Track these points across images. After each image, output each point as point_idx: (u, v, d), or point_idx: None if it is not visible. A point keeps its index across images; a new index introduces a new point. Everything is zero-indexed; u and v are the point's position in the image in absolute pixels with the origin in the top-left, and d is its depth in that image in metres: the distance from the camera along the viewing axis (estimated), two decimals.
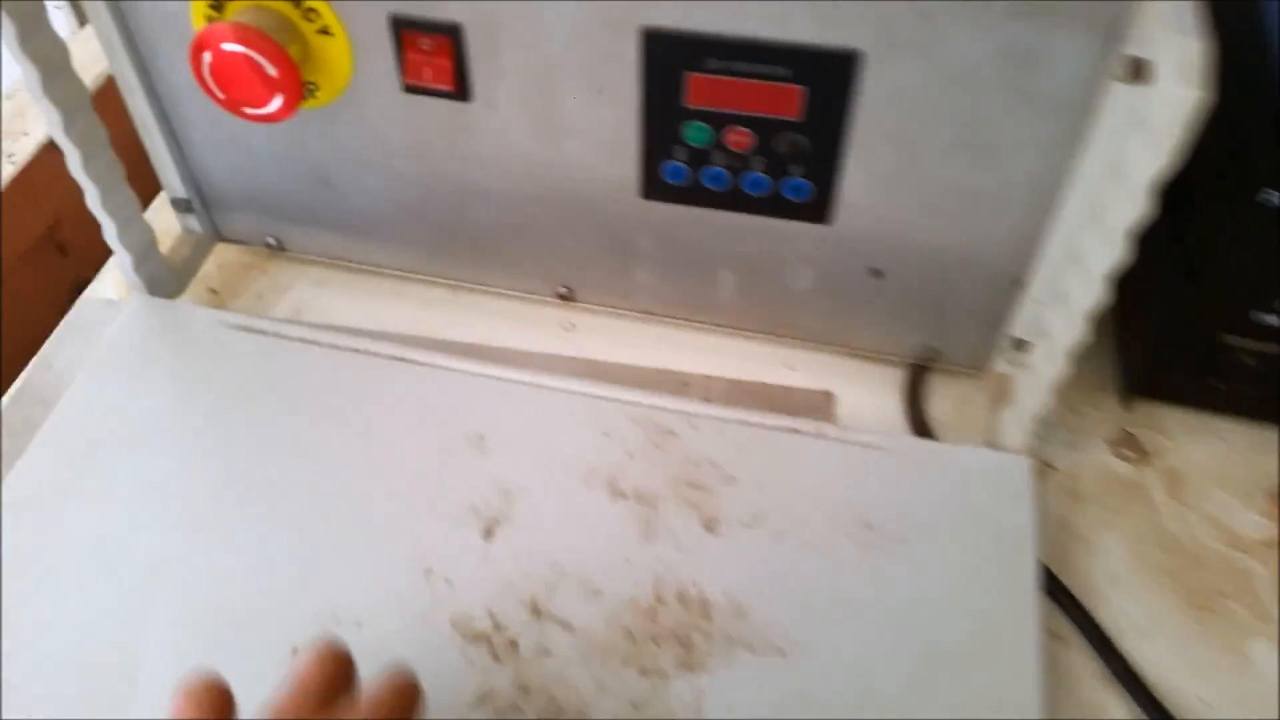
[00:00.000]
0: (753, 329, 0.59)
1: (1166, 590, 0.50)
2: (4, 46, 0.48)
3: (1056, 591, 0.48)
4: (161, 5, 0.52)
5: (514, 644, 0.45)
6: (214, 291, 0.63)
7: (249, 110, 0.52)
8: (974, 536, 0.48)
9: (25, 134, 0.72)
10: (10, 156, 0.70)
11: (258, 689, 0.35)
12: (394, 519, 0.49)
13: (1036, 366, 0.49)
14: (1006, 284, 0.52)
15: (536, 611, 0.46)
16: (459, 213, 0.57)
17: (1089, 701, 0.46)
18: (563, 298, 0.60)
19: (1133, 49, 0.41)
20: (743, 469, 0.51)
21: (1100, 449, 0.55)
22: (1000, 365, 0.55)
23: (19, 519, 0.49)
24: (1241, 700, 0.46)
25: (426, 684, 0.38)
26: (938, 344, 0.56)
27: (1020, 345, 0.53)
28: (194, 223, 0.63)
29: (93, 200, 0.54)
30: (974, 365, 0.56)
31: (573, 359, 0.58)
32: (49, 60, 0.49)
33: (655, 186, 0.53)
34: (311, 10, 0.50)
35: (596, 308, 0.61)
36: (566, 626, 0.46)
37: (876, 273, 0.53)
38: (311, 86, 0.53)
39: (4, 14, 0.46)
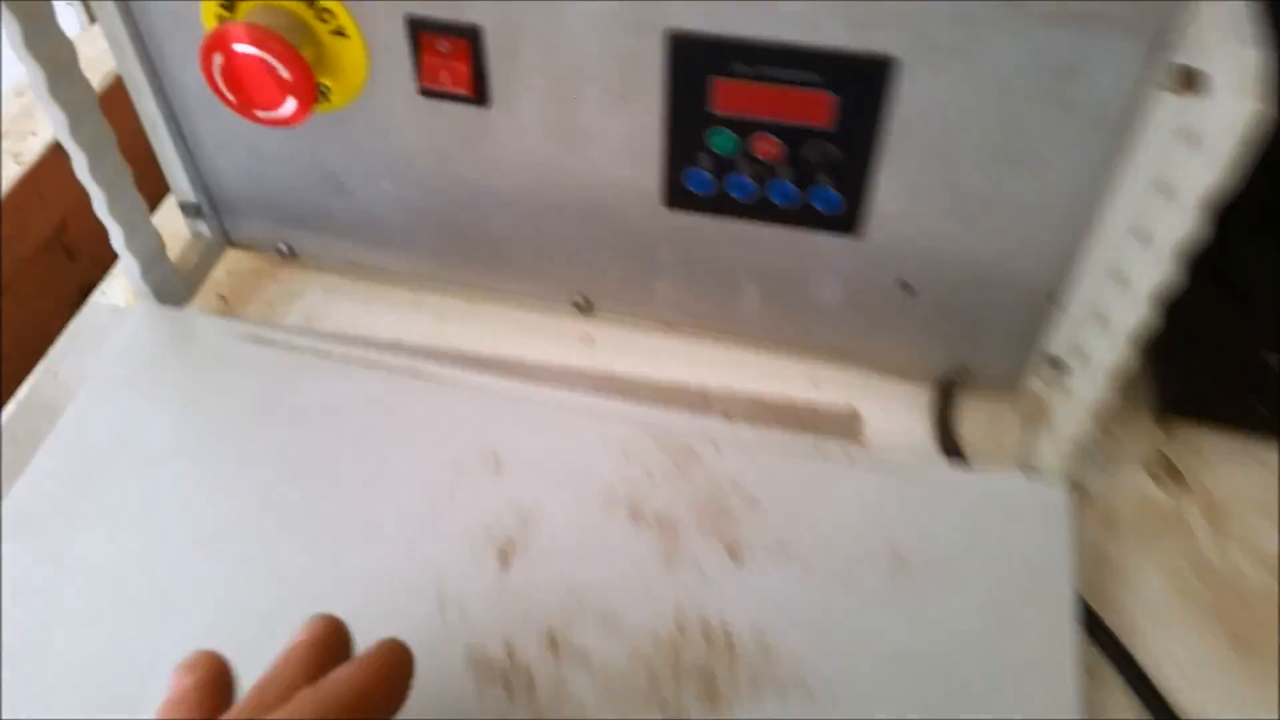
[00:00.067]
0: (776, 343, 0.57)
1: (1208, 625, 0.47)
2: (9, 46, 0.46)
3: (1094, 627, 0.46)
4: (172, 4, 0.50)
5: (530, 679, 0.43)
6: (223, 298, 0.61)
7: (261, 114, 0.50)
8: (1010, 571, 0.46)
9: (33, 134, 0.70)
10: (17, 157, 0.68)
11: None
12: (407, 543, 0.48)
13: (1075, 390, 0.47)
14: (1041, 299, 0.50)
15: (554, 643, 0.44)
16: (475, 220, 0.56)
17: None
18: (580, 307, 0.59)
19: (1183, 57, 0.39)
20: (767, 493, 0.49)
21: (1135, 472, 0.53)
22: (1034, 384, 0.53)
23: (20, 537, 0.48)
24: None
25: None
26: (968, 361, 0.54)
27: (1056, 364, 0.51)
28: (203, 228, 0.61)
29: (99, 205, 0.53)
30: (1005, 383, 0.54)
31: (590, 372, 0.57)
32: (55, 61, 0.48)
33: (678, 195, 0.51)
34: (326, 11, 0.48)
35: (615, 318, 0.59)
36: (585, 660, 0.44)
37: (906, 287, 0.52)
38: (325, 89, 0.51)
39: (9, 13, 0.45)
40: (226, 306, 0.61)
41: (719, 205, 0.51)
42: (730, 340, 0.58)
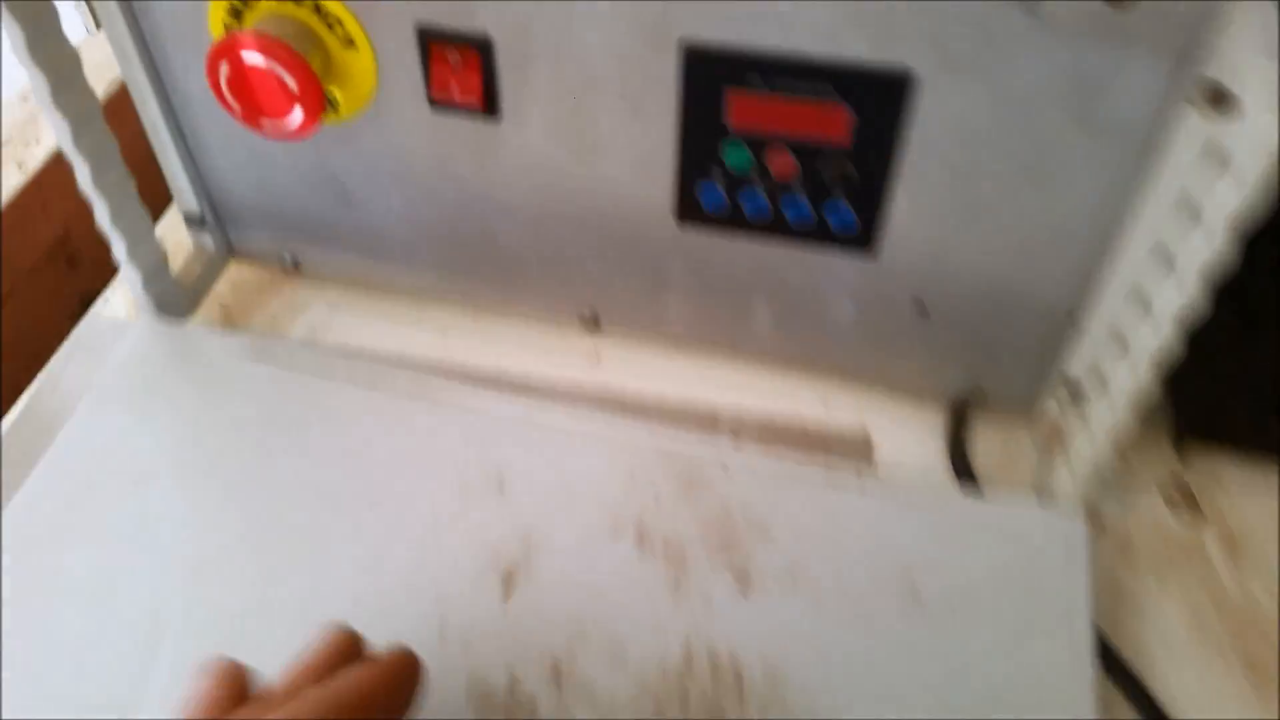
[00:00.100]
0: (787, 361, 0.56)
1: (1224, 658, 0.46)
2: (12, 53, 0.46)
3: (1110, 663, 0.45)
4: (178, 8, 0.50)
5: (533, 710, 0.42)
6: (226, 311, 0.60)
7: (268, 125, 0.49)
8: (1027, 603, 0.45)
9: (37, 141, 0.70)
10: (20, 164, 0.68)
11: None
12: (409, 567, 0.46)
13: (1094, 416, 0.46)
14: (1059, 320, 0.49)
15: (557, 675, 0.43)
16: (483, 233, 0.55)
17: None
18: (587, 323, 0.58)
19: (1212, 73, 0.39)
20: (777, 519, 0.48)
21: (1151, 499, 0.52)
22: (1050, 407, 0.52)
23: (19, 552, 0.47)
24: None
25: None
26: (983, 382, 0.53)
27: (1074, 388, 0.49)
28: (207, 238, 0.61)
29: (101, 215, 0.52)
30: (1021, 406, 0.53)
31: (597, 389, 0.56)
32: (59, 69, 0.47)
33: (691, 210, 0.50)
34: (335, 20, 0.47)
35: (623, 334, 0.58)
36: (589, 693, 0.42)
37: (921, 306, 0.51)
38: (334, 100, 0.50)
39: (11, 18, 0.44)
40: (229, 319, 0.60)
41: (732, 221, 0.50)
42: (740, 358, 0.57)
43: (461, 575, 0.46)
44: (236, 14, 0.48)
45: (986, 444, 0.53)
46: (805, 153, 0.46)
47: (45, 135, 0.70)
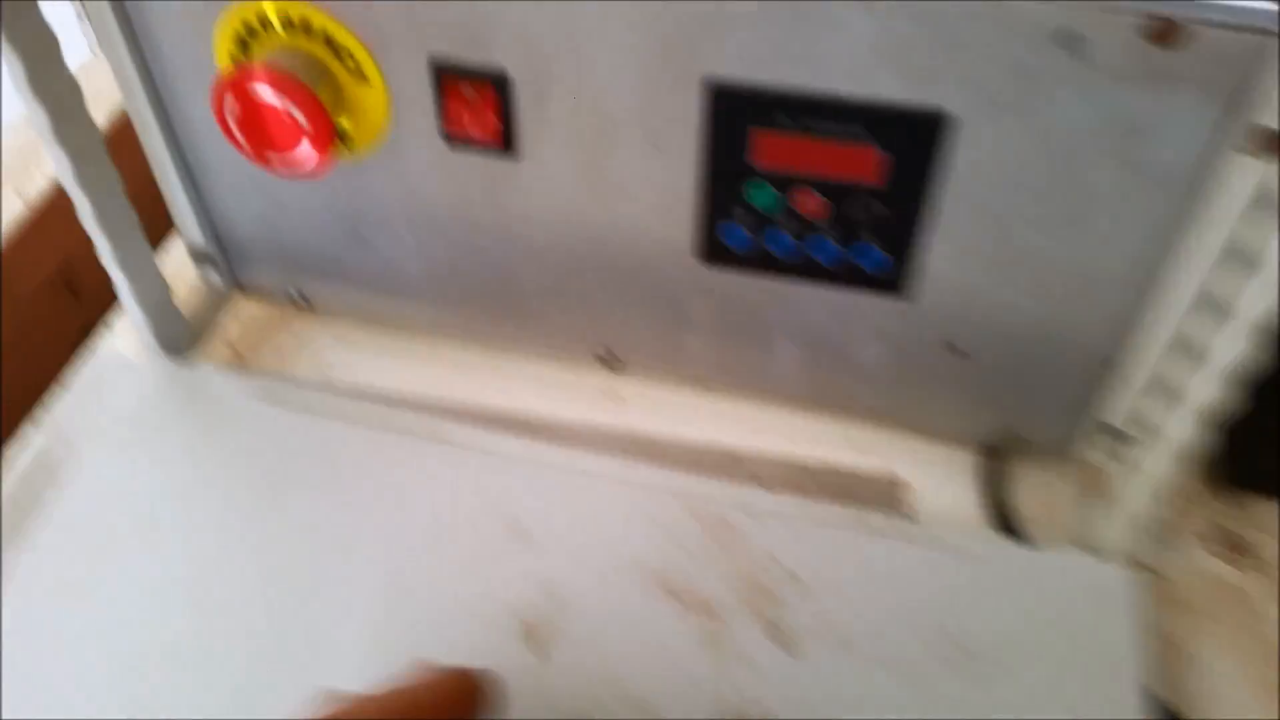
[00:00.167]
0: (813, 404, 0.54)
1: (1276, 710, 0.44)
2: (12, 85, 0.44)
3: (1160, 715, 0.43)
4: (182, 36, 0.48)
5: None
6: (233, 348, 0.58)
7: (275, 160, 0.47)
8: (1074, 659, 0.43)
9: (38, 168, 0.68)
10: (21, 193, 0.66)
11: None
12: (429, 624, 0.45)
13: (1140, 465, 0.44)
14: (1097, 366, 0.47)
15: None
16: (499, 272, 0.53)
17: None
18: (606, 363, 0.56)
19: (1263, 119, 0.37)
20: (810, 569, 0.46)
21: (1193, 545, 0.50)
22: (1091, 455, 0.50)
23: (21, 602, 0.46)
24: None
25: None
26: (1016, 427, 0.51)
27: (1117, 436, 0.48)
28: (213, 273, 0.59)
29: (104, 252, 0.50)
30: (1055, 451, 0.51)
31: (617, 432, 0.54)
32: (60, 101, 0.46)
33: (714, 250, 0.48)
34: (346, 53, 0.46)
35: (644, 375, 0.56)
36: None
37: (954, 349, 0.49)
38: (345, 136, 0.49)
39: (10, 51, 0.42)
40: (236, 357, 0.58)
41: (757, 262, 0.48)
42: (765, 400, 0.55)
43: (483, 631, 0.44)
44: (244, 45, 0.47)
45: (1022, 490, 0.51)
46: (834, 194, 0.44)
47: (46, 162, 0.68)
